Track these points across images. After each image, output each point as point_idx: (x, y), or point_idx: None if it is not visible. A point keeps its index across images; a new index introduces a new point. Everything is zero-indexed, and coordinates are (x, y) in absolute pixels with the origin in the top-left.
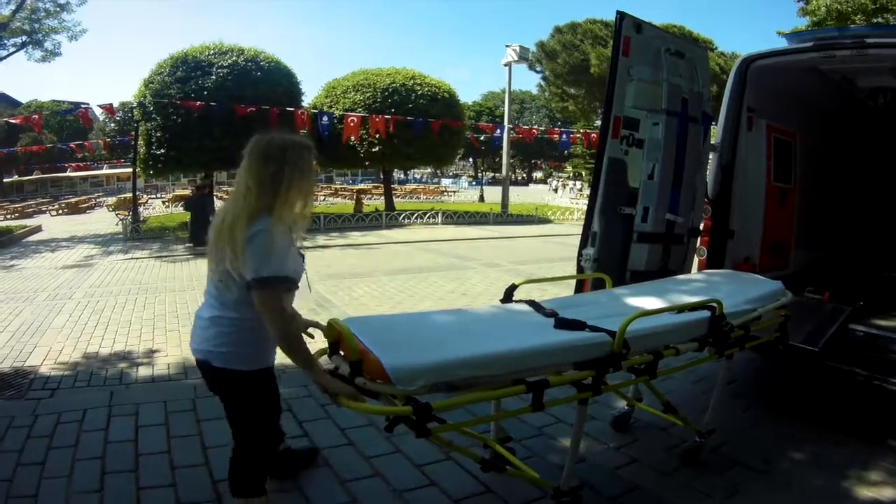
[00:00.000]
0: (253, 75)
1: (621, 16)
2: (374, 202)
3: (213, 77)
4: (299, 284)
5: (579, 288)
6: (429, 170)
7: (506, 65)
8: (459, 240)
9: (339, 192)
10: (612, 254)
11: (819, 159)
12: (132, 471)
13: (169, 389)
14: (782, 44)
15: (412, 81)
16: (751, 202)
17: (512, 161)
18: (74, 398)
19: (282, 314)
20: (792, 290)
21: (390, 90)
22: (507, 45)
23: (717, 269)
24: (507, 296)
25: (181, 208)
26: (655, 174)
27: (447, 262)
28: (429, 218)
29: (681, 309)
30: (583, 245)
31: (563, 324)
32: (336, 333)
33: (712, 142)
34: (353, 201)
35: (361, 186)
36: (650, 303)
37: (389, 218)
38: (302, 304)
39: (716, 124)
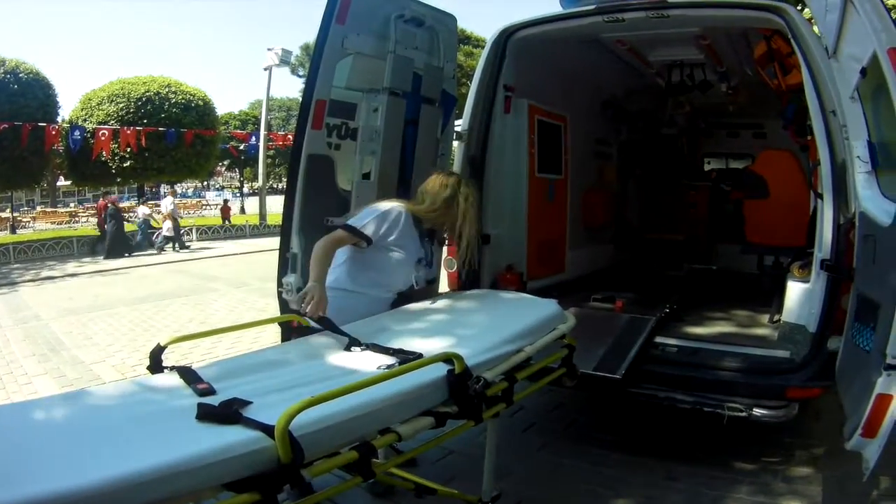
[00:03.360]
0: (10, 88)
1: None
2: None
3: None
4: None
5: (287, 334)
6: (195, 183)
7: (266, 69)
8: (210, 258)
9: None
10: None
11: (597, 146)
12: None
13: None
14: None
15: (167, 89)
16: (510, 199)
17: (277, 169)
18: None
19: None
20: (573, 299)
21: (144, 99)
22: (268, 49)
23: (473, 282)
24: (154, 362)
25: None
26: (373, 172)
27: (192, 285)
28: (182, 235)
29: (396, 373)
30: (282, 272)
31: (208, 414)
32: None
33: (457, 128)
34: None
35: (126, 205)
36: (358, 357)
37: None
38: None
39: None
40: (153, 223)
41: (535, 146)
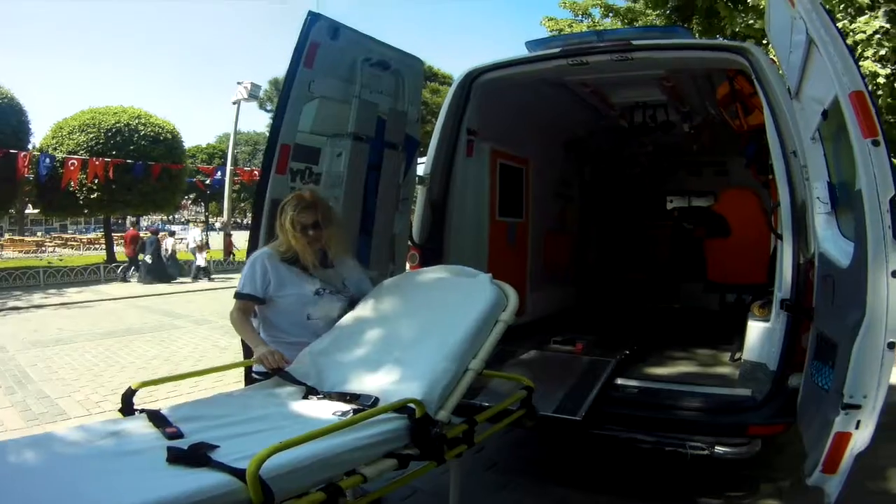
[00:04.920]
0: None
1: (314, 17)
2: (98, 253)
3: None
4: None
5: (249, 378)
6: (160, 217)
7: (234, 103)
8: (173, 293)
9: (69, 242)
10: None
11: (560, 187)
12: None
13: None
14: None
15: (136, 121)
16: (471, 243)
17: (242, 204)
18: None
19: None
20: (534, 342)
21: (114, 130)
22: (238, 83)
23: None
24: (125, 404)
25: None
26: None
27: (156, 321)
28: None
29: (358, 419)
30: None
31: (178, 458)
32: None
33: (419, 172)
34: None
35: (91, 236)
36: (317, 403)
37: (108, 271)
38: None
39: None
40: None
41: (497, 189)
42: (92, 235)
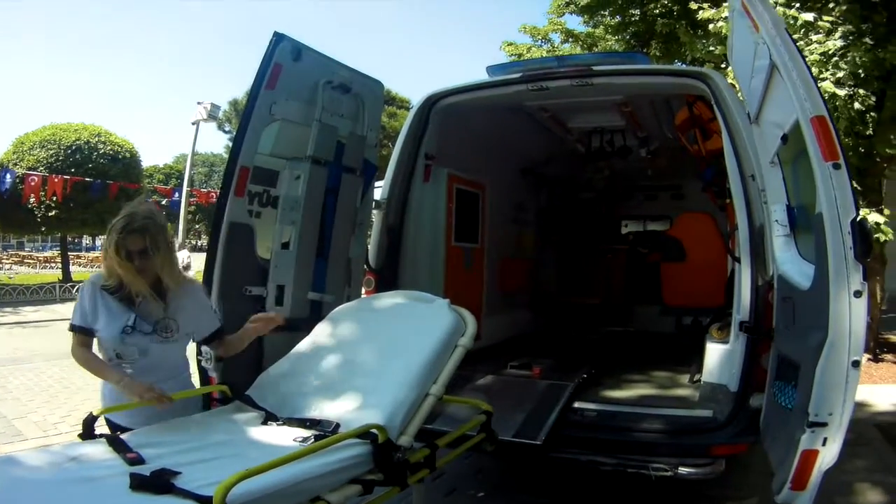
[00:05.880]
0: None
1: (279, 38)
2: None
3: None
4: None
5: (207, 403)
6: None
7: (194, 123)
8: None
9: (26, 260)
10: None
11: (516, 212)
12: None
13: None
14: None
15: (96, 139)
16: (426, 268)
17: (197, 226)
18: None
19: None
20: (491, 367)
21: (74, 147)
22: (198, 103)
23: None
24: (87, 429)
25: None
26: (293, 242)
27: None
28: None
29: (320, 447)
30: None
31: (142, 483)
32: None
33: (376, 197)
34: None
35: (48, 254)
36: (277, 430)
37: (64, 290)
38: None
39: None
40: None
41: (453, 215)
42: (48, 254)
